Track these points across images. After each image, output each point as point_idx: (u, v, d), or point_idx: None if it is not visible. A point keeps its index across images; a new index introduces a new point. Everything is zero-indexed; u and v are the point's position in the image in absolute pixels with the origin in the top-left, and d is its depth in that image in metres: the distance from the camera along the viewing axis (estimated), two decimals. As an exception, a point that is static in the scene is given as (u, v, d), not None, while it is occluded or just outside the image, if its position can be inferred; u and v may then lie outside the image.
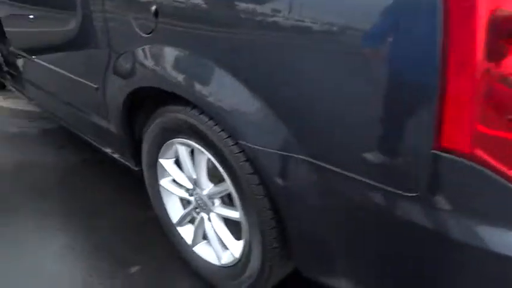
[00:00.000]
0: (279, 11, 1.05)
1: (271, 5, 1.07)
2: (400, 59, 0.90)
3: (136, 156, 1.92)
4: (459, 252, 0.92)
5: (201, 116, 1.39)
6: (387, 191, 0.97)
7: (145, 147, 1.76)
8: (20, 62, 2.81)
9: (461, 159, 0.85)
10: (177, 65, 1.42)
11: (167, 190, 1.80)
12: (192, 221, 1.77)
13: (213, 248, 1.64)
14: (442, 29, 0.81)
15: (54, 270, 1.88)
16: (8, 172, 2.71)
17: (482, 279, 0.93)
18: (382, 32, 0.91)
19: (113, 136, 1.96)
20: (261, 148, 1.17)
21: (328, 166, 1.06)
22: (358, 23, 0.94)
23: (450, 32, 0.80)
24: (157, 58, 1.49)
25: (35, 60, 2.48)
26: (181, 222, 1.78)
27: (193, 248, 1.75)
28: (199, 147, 1.46)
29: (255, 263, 1.43)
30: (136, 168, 1.96)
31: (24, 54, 2.66)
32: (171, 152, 1.69)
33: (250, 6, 1.11)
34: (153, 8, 1.41)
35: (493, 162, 0.84)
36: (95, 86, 1.88)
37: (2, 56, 3.36)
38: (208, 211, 1.61)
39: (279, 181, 1.17)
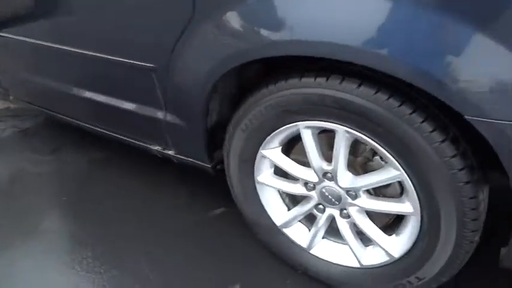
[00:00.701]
0: None
1: None
2: None
3: (210, 151, 1.53)
4: None
5: (364, 88, 1.06)
6: None
7: (237, 138, 1.38)
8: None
9: None
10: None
11: (270, 187, 1.45)
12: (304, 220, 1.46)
13: (350, 248, 1.34)
14: None
15: None
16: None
17: None
18: None
19: (175, 129, 1.53)
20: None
21: None
22: None
23: None
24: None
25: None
26: (290, 223, 1.46)
27: (311, 251, 1.44)
28: (350, 129, 1.13)
29: (435, 261, 1.17)
30: (210, 166, 1.57)
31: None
32: (277, 140, 1.34)
33: None
34: None
35: None
36: (151, 65, 1.42)
37: None
38: (342, 206, 1.30)
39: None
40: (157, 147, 1.71)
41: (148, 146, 1.73)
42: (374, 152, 1.24)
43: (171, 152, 1.66)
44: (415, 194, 1.12)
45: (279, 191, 1.48)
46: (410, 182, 1.11)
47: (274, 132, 1.29)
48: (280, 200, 1.49)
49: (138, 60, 1.45)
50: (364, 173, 1.25)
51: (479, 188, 1.06)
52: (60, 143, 2.44)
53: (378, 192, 1.26)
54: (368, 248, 1.34)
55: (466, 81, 0.90)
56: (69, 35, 1.69)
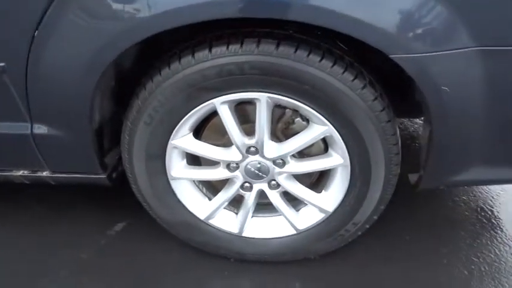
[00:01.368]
0: None
1: None
2: None
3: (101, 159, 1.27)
4: None
5: (284, 48, 1.01)
6: None
7: (140, 133, 1.17)
8: None
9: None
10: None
11: (185, 180, 1.29)
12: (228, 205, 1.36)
13: (286, 217, 1.31)
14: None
15: None
16: None
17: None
18: None
19: (48, 143, 1.21)
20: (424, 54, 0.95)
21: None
22: None
23: None
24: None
25: None
26: (215, 212, 1.33)
27: (243, 234, 1.36)
28: (272, 95, 1.07)
29: (367, 203, 1.23)
30: (105, 176, 1.30)
31: None
32: (187, 126, 1.19)
33: None
34: None
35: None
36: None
37: None
38: (271, 178, 1.25)
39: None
40: (22, 172, 1.34)
41: (7, 174, 1.34)
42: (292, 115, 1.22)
43: (45, 173, 1.32)
44: (343, 144, 1.14)
45: (195, 182, 1.35)
46: (338, 134, 1.13)
47: (185, 117, 1.15)
48: (199, 192, 1.35)
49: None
50: (286, 139, 1.22)
51: (396, 125, 1.15)
52: None
53: (302, 154, 1.26)
54: (300, 212, 1.34)
55: (390, 24, 0.94)
56: None
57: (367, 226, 1.31)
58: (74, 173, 1.31)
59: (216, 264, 1.43)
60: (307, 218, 1.32)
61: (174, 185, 1.29)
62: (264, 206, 1.37)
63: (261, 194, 1.31)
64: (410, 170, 1.31)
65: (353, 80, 1.05)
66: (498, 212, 1.62)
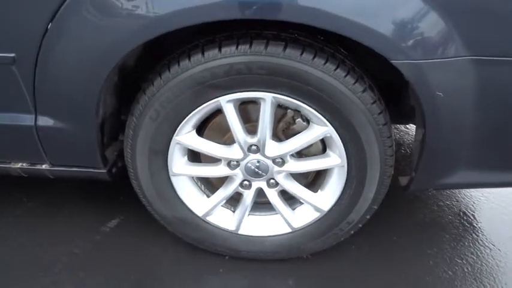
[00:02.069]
0: None
1: None
2: None
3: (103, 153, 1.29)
4: None
5: (290, 50, 1.06)
6: None
7: (145, 129, 1.19)
8: None
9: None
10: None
11: (186, 176, 1.32)
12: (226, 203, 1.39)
13: (282, 216, 1.35)
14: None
15: None
16: None
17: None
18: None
19: (51, 135, 1.22)
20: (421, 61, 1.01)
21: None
22: None
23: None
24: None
25: None
26: (213, 209, 1.36)
27: (240, 232, 1.39)
28: (277, 95, 1.11)
29: (361, 204, 1.28)
30: (105, 170, 1.31)
31: None
32: (191, 123, 1.22)
33: None
34: None
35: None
36: (9, 55, 1.07)
37: None
38: (270, 176, 1.29)
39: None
40: (20, 164, 1.33)
41: (5, 166, 1.34)
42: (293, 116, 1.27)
43: (44, 166, 1.32)
44: (342, 145, 1.20)
45: (194, 179, 1.37)
46: (337, 134, 1.18)
47: (190, 114, 1.18)
48: (198, 189, 1.38)
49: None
50: (286, 139, 1.27)
51: (391, 127, 1.21)
52: None
53: (301, 154, 1.31)
54: (296, 210, 1.39)
55: (393, 31, 1.01)
56: None
57: (360, 225, 1.37)
58: (74, 166, 1.32)
59: (211, 261, 1.45)
60: (303, 216, 1.37)
61: (175, 181, 1.31)
62: (260, 204, 1.41)
63: (258, 193, 1.35)
64: (398, 173, 1.39)
65: (354, 83, 1.10)
66: (479, 217, 1.70)
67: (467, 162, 1.21)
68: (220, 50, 1.08)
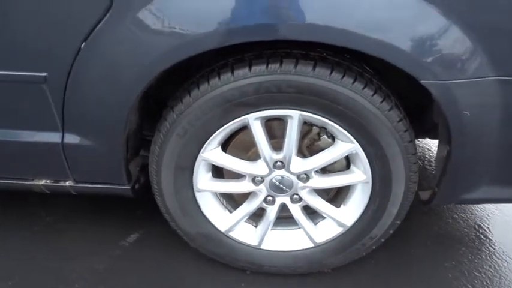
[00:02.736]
0: None
1: None
2: None
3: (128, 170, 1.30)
4: None
5: (320, 69, 1.08)
6: None
7: (172, 145, 1.20)
8: None
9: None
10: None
11: (210, 192, 1.32)
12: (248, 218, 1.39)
13: (305, 231, 1.35)
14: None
15: None
16: None
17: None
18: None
19: (78, 152, 1.22)
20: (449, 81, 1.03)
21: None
22: None
23: None
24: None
25: None
26: (236, 225, 1.37)
27: (262, 246, 1.40)
28: (305, 113, 1.13)
29: (385, 220, 1.30)
30: (129, 187, 1.32)
31: None
32: (216, 140, 1.23)
33: None
34: None
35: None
36: (41, 74, 1.08)
37: None
38: (294, 192, 1.30)
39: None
40: (44, 181, 1.33)
41: (29, 183, 1.34)
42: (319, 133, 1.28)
43: (68, 183, 1.33)
44: (367, 162, 1.21)
45: (217, 195, 1.38)
46: (363, 151, 1.20)
47: (218, 131, 1.19)
48: (220, 204, 1.38)
49: (20, 69, 1.09)
50: (310, 155, 1.28)
51: (415, 145, 1.23)
52: None
53: (324, 170, 1.32)
54: (318, 225, 1.39)
55: (422, 53, 1.03)
56: None
57: (383, 240, 1.38)
58: (98, 183, 1.33)
59: (233, 275, 1.46)
60: (325, 231, 1.38)
61: (199, 197, 1.32)
62: (282, 219, 1.42)
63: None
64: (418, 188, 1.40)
65: (381, 102, 1.12)
66: (494, 229, 1.72)
67: (489, 178, 1.23)
68: (250, 69, 1.10)
